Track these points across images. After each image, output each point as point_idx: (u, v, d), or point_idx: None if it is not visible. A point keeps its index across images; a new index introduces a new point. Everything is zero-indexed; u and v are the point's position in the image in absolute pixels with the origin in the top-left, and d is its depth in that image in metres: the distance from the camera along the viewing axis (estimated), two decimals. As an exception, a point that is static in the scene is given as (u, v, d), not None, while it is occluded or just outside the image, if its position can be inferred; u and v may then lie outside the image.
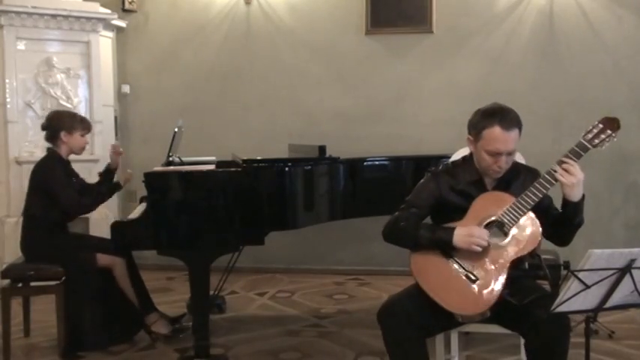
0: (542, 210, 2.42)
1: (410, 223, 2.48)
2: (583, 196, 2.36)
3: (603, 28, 5.17)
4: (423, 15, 5.36)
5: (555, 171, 2.32)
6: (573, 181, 2.30)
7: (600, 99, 5.09)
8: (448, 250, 2.39)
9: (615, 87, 5.16)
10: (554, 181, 2.33)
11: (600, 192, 5.21)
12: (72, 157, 3.83)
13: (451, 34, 5.38)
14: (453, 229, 2.37)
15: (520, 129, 2.42)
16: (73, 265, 3.56)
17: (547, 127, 5.10)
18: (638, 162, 5.16)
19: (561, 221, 2.43)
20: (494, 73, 5.32)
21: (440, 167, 2.62)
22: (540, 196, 2.33)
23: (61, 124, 3.72)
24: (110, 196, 3.90)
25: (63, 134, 3.70)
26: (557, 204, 2.47)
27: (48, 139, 3.76)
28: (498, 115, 2.39)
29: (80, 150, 3.83)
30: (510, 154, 2.42)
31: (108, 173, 3.93)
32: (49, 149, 3.76)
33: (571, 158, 2.32)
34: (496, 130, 2.37)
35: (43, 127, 3.78)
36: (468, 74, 5.36)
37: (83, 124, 3.79)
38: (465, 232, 2.35)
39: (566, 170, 2.30)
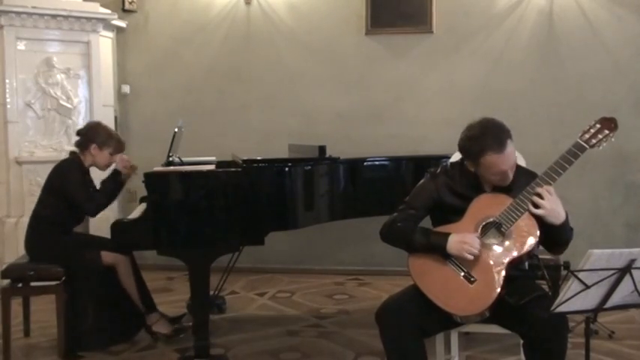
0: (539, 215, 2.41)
1: (407, 225, 2.49)
2: (566, 216, 2.35)
3: (603, 28, 5.17)
4: (423, 15, 5.36)
5: (548, 172, 2.33)
6: (546, 209, 2.29)
7: (600, 99, 5.09)
8: (444, 254, 2.39)
9: (615, 87, 5.16)
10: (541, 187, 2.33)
11: (600, 192, 5.22)
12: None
13: (451, 34, 5.38)
14: (448, 234, 2.38)
15: (510, 137, 2.38)
16: (77, 263, 3.57)
17: (547, 127, 5.10)
18: (638, 162, 5.16)
19: (549, 236, 2.41)
20: (494, 73, 5.32)
21: (439, 169, 2.62)
22: None
23: (94, 137, 3.71)
24: (119, 190, 3.75)
25: (93, 147, 3.70)
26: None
27: (78, 145, 3.75)
28: (487, 139, 2.34)
29: (104, 167, 3.81)
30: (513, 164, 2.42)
31: (115, 175, 3.73)
32: (72, 153, 3.76)
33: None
34: (492, 157, 2.34)
35: (79, 133, 3.79)
36: (468, 74, 5.36)
37: (117, 145, 3.77)
38: (459, 239, 2.35)
39: (537, 202, 2.30)
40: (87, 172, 3.78)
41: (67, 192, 3.60)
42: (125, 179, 3.78)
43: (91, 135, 3.73)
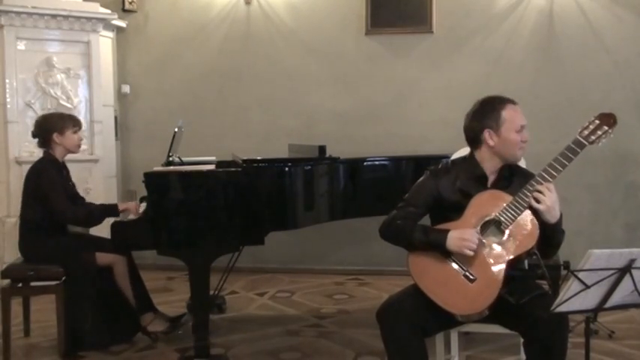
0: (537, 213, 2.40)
1: (406, 222, 2.48)
2: (560, 217, 2.35)
3: (603, 28, 5.17)
4: (423, 15, 5.36)
5: (547, 170, 2.32)
6: (547, 205, 2.29)
7: (600, 99, 5.08)
8: (444, 251, 2.39)
9: (615, 87, 5.16)
10: (542, 181, 2.32)
11: (600, 192, 5.22)
12: (71, 157, 3.82)
13: (451, 34, 5.38)
14: (447, 231, 2.37)
15: None
16: (73, 264, 3.55)
17: (547, 127, 5.09)
18: (638, 162, 5.17)
19: (541, 236, 2.40)
20: (494, 73, 5.32)
21: (439, 166, 2.61)
22: None
23: (51, 126, 3.66)
24: (102, 219, 3.74)
25: (55, 136, 3.65)
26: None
27: (41, 144, 3.72)
28: (497, 99, 2.51)
29: (76, 148, 3.77)
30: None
31: (111, 209, 3.79)
32: (44, 152, 3.72)
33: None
34: (512, 107, 2.49)
35: (34, 134, 3.73)
36: (468, 74, 5.36)
37: (73, 121, 3.74)
38: (458, 235, 2.34)
39: (538, 197, 2.29)
40: (64, 167, 3.76)
41: (44, 196, 3.54)
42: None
43: (46, 127, 3.67)
